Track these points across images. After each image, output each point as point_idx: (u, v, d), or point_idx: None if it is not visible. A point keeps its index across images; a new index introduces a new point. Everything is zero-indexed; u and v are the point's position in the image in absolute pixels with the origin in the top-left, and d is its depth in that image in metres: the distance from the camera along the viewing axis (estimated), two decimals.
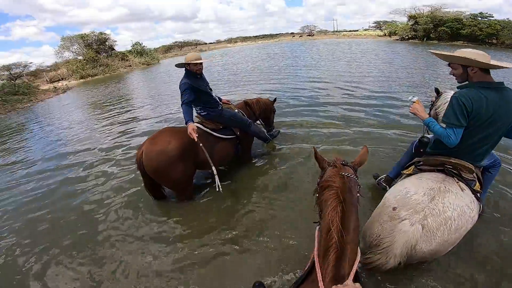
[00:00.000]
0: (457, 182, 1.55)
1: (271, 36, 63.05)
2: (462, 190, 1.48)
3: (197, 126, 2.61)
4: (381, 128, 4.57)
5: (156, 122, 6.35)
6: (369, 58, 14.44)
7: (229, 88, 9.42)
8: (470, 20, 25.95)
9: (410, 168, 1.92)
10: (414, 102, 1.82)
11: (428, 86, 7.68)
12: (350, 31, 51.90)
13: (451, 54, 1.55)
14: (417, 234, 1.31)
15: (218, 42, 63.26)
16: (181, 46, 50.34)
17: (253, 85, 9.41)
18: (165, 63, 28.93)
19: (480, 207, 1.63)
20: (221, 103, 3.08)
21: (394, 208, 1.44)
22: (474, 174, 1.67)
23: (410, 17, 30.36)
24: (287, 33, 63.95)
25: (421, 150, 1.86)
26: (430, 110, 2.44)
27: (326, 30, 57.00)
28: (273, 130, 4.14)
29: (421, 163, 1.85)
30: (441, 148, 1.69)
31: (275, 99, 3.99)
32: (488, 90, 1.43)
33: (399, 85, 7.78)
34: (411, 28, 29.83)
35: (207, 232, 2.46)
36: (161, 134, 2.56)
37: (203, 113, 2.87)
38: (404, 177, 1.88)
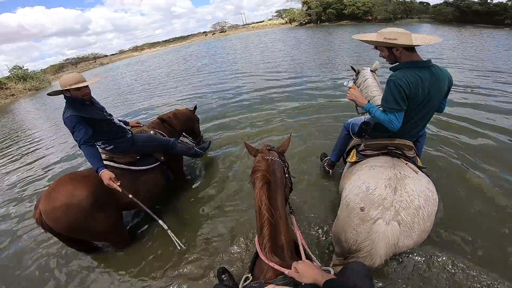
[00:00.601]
0: (406, 164, 1.54)
1: (183, 38, 60.84)
2: (416, 172, 1.45)
3: (108, 165, 2.12)
4: (308, 109, 4.84)
5: (69, 151, 4.85)
6: (279, 47, 15.51)
7: (145, 100, 8.29)
8: (349, 0, 30.96)
9: (352, 154, 1.89)
10: (350, 87, 1.73)
11: (334, 64, 8.70)
12: (257, 22, 54.81)
13: (371, 38, 1.52)
14: (396, 232, 1.24)
15: (122, 52, 56.74)
16: (75, 62, 42.94)
17: (172, 92, 8.57)
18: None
19: None
20: (129, 127, 2.49)
21: (362, 209, 1.33)
22: (413, 150, 1.70)
23: (304, 2, 34.02)
24: (199, 33, 62.89)
25: (363, 134, 1.83)
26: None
27: (237, 25, 58.44)
28: (202, 142, 3.68)
29: (362, 147, 1.82)
30: (382, 131, 1.68)
31: (195, 107, 3.53)
32: (420, 69, 1.42)
33: (310, 68, 8.51)
34: (306, 13, 33.52)
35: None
36: (59, 186, 1.92)
37: (108, 148, 2.21)
38: (350, 166, 1.83)
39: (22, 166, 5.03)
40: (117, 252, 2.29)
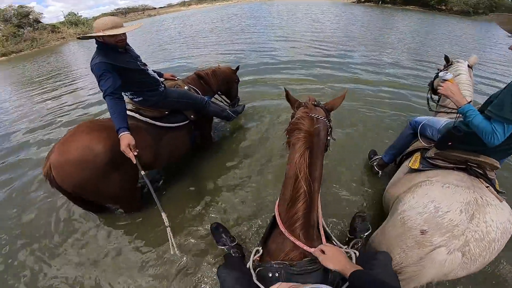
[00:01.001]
0: (487, 187, 1.27)
1: None
2: (500, 201, 1.21)
3: (133, 116, 1.93)
4: (357, 83, 4.43)
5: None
6: (330, 19, 14.10)
7: (187, 50, 8.28)
8: None
9: (415, 159, 1.59)
10: (446, 80, 1.38)
11: (392, 46, 7.70)
12: None
13: None
14: (455, 263, 1.07)
15: (170, 6, 56.71)
16: (125, 12, 43.92)
17: (215, 46, 8.44)
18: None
19: None
20: (162, 80, 2.29)
21: (422, 232, 1.13)
22: (495, 170, 1.39)
23: None
24: None
25: (450, 143, 1.44)
26: (433, 80, 2.16)
27: None
28: (237, 105, 3.39)
29: (432, 153, 1.50)
30: (469, 143, 1.33)
31: (237, 68, 3.18)
32: None
33: (364, 45, 7.70)
34: None
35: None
36: (74, 136, 1.65)
37: (137, 99, 1.97)
38: (410, 173, 1.55)
39: (57, 97, 5.54)
40: (125, 214, 2.11)
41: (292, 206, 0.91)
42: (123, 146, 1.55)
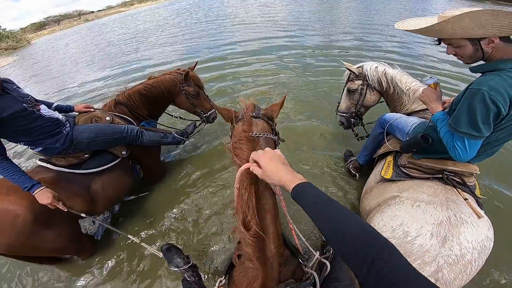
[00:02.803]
0: (465, 199, 1.15)
1: None
2: (479, 217, 1.09)
3: (44, 168, 1.63)
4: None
5: None
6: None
7: (130, 54, 7.20)
8: None
9: (387, 166, 1.50)
10: (428, 85, 1.32)
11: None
12: None
13: (439, 25, 0.94)
14: None
15: (109, 8, 51.79)
16: (57, 20, 39.21)
17: (167, 45, 7.49)
18: (40, 43, 22.77)
19: None
20: (75, 114, 1.88)
21: None
22: (475, 175, 1.31)
23: None
24: None
25: (414, 150, 1.35)
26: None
27: None
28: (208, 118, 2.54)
29: (405, 161, 1.40)
30: (441, 152, 1.23)
31: (187, 71, 2.22)
32: None
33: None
34: None
35: None
36: None
37: (37, 150, 1.60)
38: (382, 183, 1.45)
39: None
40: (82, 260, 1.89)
41: (244, 242, 0.80)
42: (45, 200, 1.41)
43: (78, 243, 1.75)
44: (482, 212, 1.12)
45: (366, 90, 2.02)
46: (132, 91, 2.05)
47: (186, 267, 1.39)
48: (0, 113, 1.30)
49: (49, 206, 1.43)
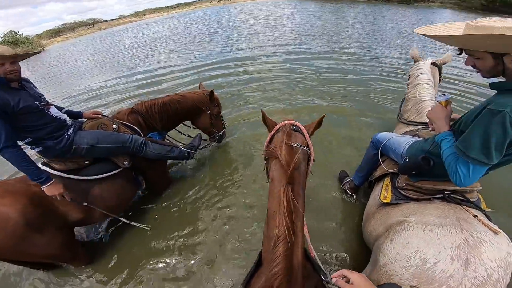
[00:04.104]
0: (474, 216, 1.11)
1: (187, 4, 57.85)
2: (495, 233, 1.04)
3: (44, 171, 1.55)
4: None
5: None
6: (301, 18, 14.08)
7: (139, 64, 7.40)
8: None
9: (385, 188, 1.45)
10: (439, 102, 1.24)
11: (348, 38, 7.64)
12: None
13: (464, 32, 0.91)
14: None
15: (122, 17, 53.77)
16: (72, 27, 40.72)
17: (170, 59, 7.66)
18: (54, 49, 23.45)
19: None
20: (84, 120, 1.90)
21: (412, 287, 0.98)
22: (479, 188, 1.26)
23: None
24: (203, 0, 59.11)
25: (414, 172, 1.30)
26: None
27: None
28: (212, 137, 2.69)
29: (403, 183, 1.36)
30: (438, 175, 1.20)
31: (211, 92, 2.40)
32: None
33: (312, 39, 7.80)
34: None
35: None
36: None
37: (36, 150, 1.60)
38: (383, 207, 1.39)
39: None
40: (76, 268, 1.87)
41: (272, 248, 0.79)
42: (53, 191, 1.48)
43: (71, 251, 1.73)
44: (496, 227, 1.08)
45: None
46: (154, 102, 2.12)
47: None
48: (17, 103, 1.38)
49: (58, 197, 1.49)
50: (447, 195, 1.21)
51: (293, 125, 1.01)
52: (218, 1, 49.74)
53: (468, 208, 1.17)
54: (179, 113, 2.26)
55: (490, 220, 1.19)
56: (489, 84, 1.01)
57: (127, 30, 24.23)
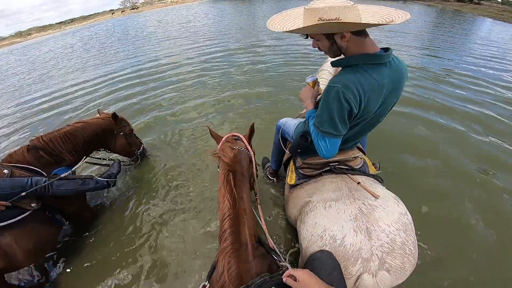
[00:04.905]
0: (358, 183, 1.15)
1: (83, 18, 50.38)
2: (375, 197, 1.07)
3: None
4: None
5: None
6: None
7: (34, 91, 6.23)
8: None
9: (291, 170, 1.50)
10: (308, 83, 1.31)
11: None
12: None
13: (297, 24, 0.97)
14: (387, 281, 0.95)
15: (1, 39, 43.70)
16: None
17: (61, 81, 6.71)
18: None
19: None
20: None
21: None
22: (359, 155, 1.33)
23: None
24: (104, 11, 53.21)
25: (299, 150, 1.34)
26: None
27: (152, 0, 51.58)
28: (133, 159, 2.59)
29: (300, 163, 1.41)
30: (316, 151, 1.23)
31: (114, 115, 2.24)
32: (376, 67, 0.93)
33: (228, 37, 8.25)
34: None
35: None
36: None
37: None
38: (291, 189, 1.42)
39: None
40: None
41: (222, 225, 0.91)
42: None
43: None
44: (377, 191, 1.10)
45: None
46: (55, 135, 1.90)
47: None
48: None
49: None
50: (332, 167, 1.27)
51: (234, 135, 1.26)
52: (122, 11, 45.54)
53: (352, 176, 1.21)
54: (88, 141, 2.09)
55: (382, 182, 1.26)
56: (330, 63, 1.11)
57: (9, 54, 19.83)
